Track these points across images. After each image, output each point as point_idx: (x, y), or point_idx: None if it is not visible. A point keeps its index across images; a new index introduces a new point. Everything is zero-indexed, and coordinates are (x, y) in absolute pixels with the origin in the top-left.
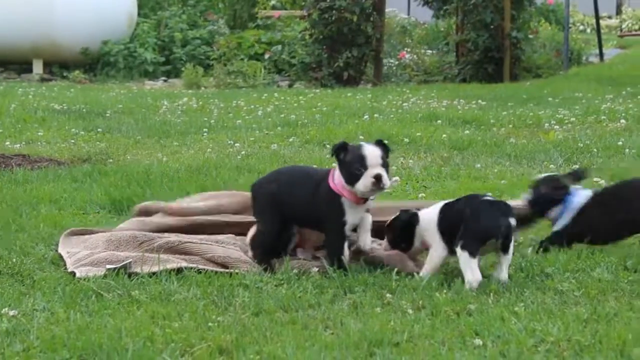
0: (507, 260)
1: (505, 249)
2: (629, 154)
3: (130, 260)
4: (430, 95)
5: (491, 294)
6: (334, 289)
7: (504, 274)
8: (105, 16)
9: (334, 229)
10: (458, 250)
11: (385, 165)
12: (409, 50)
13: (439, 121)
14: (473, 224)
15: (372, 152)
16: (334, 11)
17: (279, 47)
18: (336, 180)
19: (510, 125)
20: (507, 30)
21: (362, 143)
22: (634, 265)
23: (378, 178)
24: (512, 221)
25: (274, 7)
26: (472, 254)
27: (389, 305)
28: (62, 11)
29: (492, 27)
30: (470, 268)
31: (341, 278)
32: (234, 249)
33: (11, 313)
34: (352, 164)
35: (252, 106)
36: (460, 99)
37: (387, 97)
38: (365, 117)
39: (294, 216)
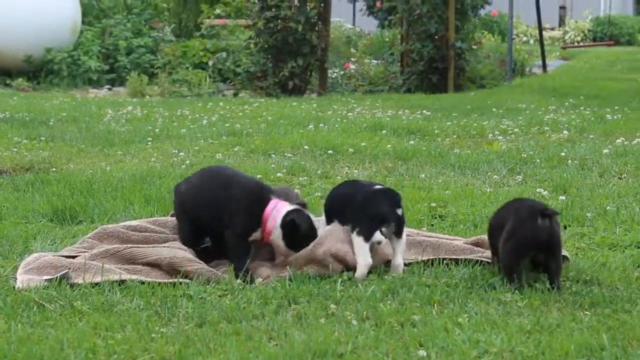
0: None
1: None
2: (571, 165)
3: (67, 270)
4: (375, 105)
5: (435, 305)
6: (278, 300)
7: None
8: (48, 24)
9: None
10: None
11: None
12: (354, 60)
13: (384, 131)
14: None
15: None
16: (279, 20)
17: (224, 54)
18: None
19: (455, 136)
20: (451, 41)
21: None
22: (577, 275)
23: None
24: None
25: (219, 16)
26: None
27: (333, 316)
28: (3, 18)
29: (436, 37)
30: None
31: (285, 288)
32: (179, 248)
33: None
34: None
35: (197, 115)
36: (405, 109)
37: (332, 106)
38: (310, 126)
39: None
